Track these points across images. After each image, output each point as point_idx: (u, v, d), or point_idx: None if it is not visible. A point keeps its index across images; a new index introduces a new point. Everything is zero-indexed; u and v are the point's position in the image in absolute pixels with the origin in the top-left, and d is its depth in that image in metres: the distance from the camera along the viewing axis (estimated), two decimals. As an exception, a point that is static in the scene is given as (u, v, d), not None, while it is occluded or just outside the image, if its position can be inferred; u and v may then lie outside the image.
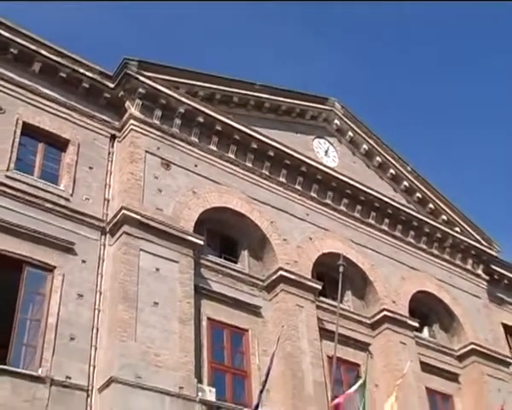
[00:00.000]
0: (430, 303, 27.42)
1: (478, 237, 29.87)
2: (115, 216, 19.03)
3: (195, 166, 21.69)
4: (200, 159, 21.95)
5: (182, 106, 21.72)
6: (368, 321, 24.64)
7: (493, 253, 30.36)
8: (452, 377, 26.62)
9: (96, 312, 17.85)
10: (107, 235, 19.15)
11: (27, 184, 18.25)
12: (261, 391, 18.94)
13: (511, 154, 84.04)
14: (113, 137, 21.06)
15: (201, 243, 20.30)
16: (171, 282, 18.93)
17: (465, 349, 26.98)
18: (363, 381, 20.47)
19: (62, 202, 18.63)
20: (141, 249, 18.79)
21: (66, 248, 17.99)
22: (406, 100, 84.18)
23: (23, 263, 17.28)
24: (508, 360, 28.13)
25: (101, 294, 18.18)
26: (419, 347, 25.45)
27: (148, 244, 18.98)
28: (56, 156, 19.81)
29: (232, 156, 22.77)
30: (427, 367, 25.39)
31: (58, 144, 19.94)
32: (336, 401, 20.03)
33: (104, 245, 18.97)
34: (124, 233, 18.76)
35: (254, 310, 21.53)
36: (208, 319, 20.16)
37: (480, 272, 29.86)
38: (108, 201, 19.76)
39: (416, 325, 25.59)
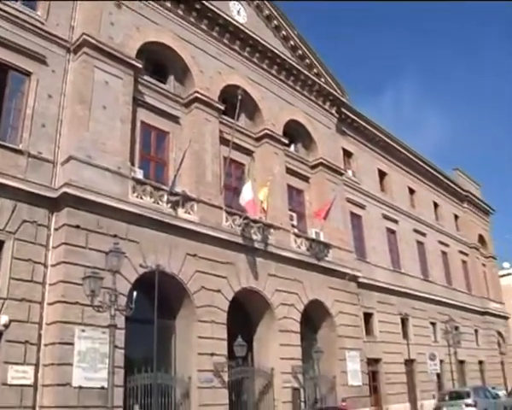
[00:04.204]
0: (298, 128, 28.14)
1: (335, 87, 30.28)
2: (78, 39, 18.44)
3: (140, 8, 20.86)
4: (145, 4, 21.08)
5: (132, -38, 20.56)
6: (254, 136, 25.20)
7: (344, 100, 31.07)
8: (305, 179, 28.02)
9: (61, 109, 17.79)
10: (71, 53, 18.56)
11: (14, 8, 17.24)
12: (175, 176, 19.89)
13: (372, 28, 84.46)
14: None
15: (140, 66, 19.99)
16: (116, 92, 18.86)
17: (316, 161, 28.25)
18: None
19: (39, 24, 17.83)
20: (95, 66, 18.49)
21: (41, 60, 17.55)
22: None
23: (9, 68, 16.88)
24: (341, 170, 29.68)
25: (65, 96, 18.01)
26: (286, 157, 26.44)
27: (100, 63, 18.64)
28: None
29: (169, 5, 21.92)
30: (289, 171, 26.61)
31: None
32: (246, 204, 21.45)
33: (69, 60, 18.43)
34: (83, 53, 18.33)
35: (175, 119, 21.79)
36: (141, 122, 20.39)
37: (333, 111, 30.59)
38: (74, 27, 18.93)
39: (286, 141, 26.38)
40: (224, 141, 22.91)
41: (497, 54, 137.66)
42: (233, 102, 23.36)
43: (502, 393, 34.13)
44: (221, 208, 21.52)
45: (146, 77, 21.00)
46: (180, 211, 19.77)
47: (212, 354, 19.13)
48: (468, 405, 22.16)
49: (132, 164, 19.02)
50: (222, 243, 20.74)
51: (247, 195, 21.54)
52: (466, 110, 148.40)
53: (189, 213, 20.10)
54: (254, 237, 22.32)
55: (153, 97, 21.01)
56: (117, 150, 18.26)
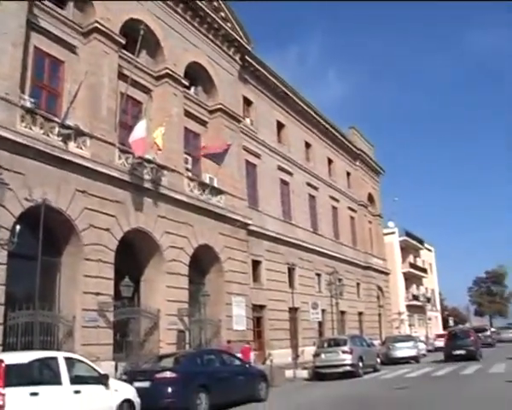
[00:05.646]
0: (199, 71, 28.01)
1: (241, 34, 30.43)
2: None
3: None
4: None
5: None
6: (154, 74, 24.83)
7: (249, 48, 31.32)
8: (203, 123, 28.19)
9: None
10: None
11: None
12: (68, 108, 19.39)
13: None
14: None
15: (37, -12, 18.98)
16: (8, 13, 17.57)
17: (215, 107, 28.46)
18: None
19: None
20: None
21: None
22: None
23: None
24: (239, 118, 30.14)
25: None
26: (185, 99, 26.37)
27: (-9, -21, 17.43)
28: None
29: None
30: (188, 113, 26.62)
31: None
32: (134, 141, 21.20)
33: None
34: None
35: (72, 48, 20.97)
36: (35, 47, 19.41)
37: (237, 58, 30.80)
38: None
39: (187, 83, 26.28)
40: (122, 77, 22.44)
41: (401, 23, 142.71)
42: (135, 37, 22.80)
43: (377, 342, 37.11)
44: (114, 145, 21.25)
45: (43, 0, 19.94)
46: (71, 145, 19.33)
47: (98, 294, 19.20)
48: (344, 352, 23.85)
49: (22, 92, 18.21)
50: (113, 181, 20.61)
51: (138, 133, 21.34)
52: (366, 74, 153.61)
53: (80, 148, 19.70)
54: (147, 177, 22.35)
55: (49, 23, 19.97)
56: (5, 75, 17.31)
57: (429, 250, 78.36)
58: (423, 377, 21.57)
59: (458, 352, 28.79)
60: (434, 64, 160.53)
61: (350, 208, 47.95)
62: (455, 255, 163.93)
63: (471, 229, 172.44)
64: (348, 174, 49.12)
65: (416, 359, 31.70)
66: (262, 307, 30.85)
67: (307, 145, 40.91)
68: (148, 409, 13.03)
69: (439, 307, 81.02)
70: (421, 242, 71.95)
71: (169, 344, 22.06)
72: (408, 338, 34.70)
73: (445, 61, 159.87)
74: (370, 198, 53.38)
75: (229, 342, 24.56)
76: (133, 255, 22.65)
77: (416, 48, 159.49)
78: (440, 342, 43.32)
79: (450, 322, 71.33)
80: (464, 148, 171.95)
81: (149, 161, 22.54)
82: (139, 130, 21.41)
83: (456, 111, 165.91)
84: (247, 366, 18.23)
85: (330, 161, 45.20)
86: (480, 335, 37.35)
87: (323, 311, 34.30)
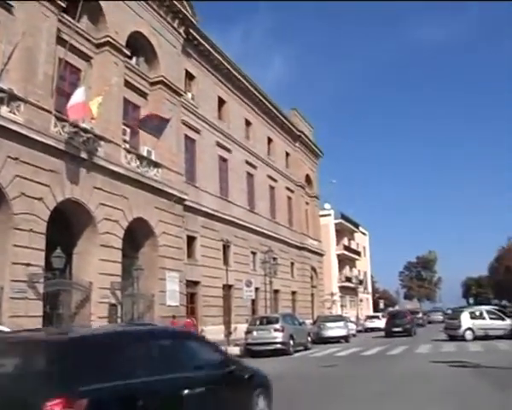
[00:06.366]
0: (142, 42, 27.61)
1: (187, 6, 30.19)
2: None
3: None
4: None
5: None
6: (95, 41, 24.29)
7: (194, 21, 31.09)
8: (143, 94, 27.94)
9: None
10: None
11: None
12: (2, 70, 18.77)
13: None
14: None
15: None
16: None
17: (157, 79, 28.19)
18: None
19: None
20: None
21: None
22: None
23: None
24: (181, 92, 29.95)
25: None
26: (126, 69, 25.99)
27: None
28: None
29: None
30: (128, 84, 26.30)
31: None
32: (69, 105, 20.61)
33: None
34: None
35: (7, 7, 19.97)
36: (-33, 4, 18.74)
37: (181, 31, 30.51)
38: None
39: (128, 53, 25.86)
40: (61, 41, 21.84)
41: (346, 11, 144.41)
42: (76, 1, 22.15)
43: (308, 321, 38.16)
44: (50, 113, 20.72)
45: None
46: (4, 109, 18.72)
47: (28, 265, 18.84)
48: (275, 330, 24.46)
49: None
50: (47, 150, 20.13)
51: (77, 97, 20.82)
52: (309, 58, 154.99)
53: (13, 113, 19.09)
54: (83, 147, 21.92)
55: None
56: None
57: (364, 234, 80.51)
58: (352, 356, 22.42)
59: (397, 329, 35.38)
60: (376, 50, 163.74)
61: (287, 189, 48.63)
62: (388, 241, 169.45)
63: (405, 216, 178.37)
64: (287, 155, 49.70)
65: (345, 338, 32.85)
66: (196, 283, 31.06)
67: (247, 123, 41.11)
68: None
69: (370, 289, 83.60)
70: (356, 225, 73.79)
71: (100, 318, 21.90)
72: (339, 318, 35.92)
73: (386, 47, 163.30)
74: (308, 180, 54.27)
75: (174, 317, 24.77)
76: (66, 227, 22.32)
77: (359, 33, 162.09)
78: (370, 323, 46.20)
79: (381, 304, 73.85)
80: (401, 134, 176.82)
81: (86, 131, 22.13)
82: (78, 95, 20.91)
83: (392, 95, 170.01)
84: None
85: (270, 141, 45.60)
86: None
87: (257, 289, 34.86)
